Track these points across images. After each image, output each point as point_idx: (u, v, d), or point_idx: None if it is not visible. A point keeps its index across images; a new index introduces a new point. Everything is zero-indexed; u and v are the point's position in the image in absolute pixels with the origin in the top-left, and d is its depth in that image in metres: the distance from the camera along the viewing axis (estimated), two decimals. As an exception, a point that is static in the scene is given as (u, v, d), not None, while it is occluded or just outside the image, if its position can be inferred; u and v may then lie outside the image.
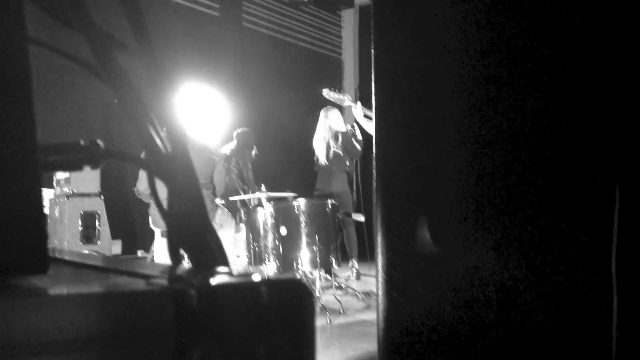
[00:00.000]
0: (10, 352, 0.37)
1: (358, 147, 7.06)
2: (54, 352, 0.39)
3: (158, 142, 0.59)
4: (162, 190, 0.60)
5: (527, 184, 1.49)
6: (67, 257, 0.73)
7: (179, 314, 0.42)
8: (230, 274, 0.49)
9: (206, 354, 0.42)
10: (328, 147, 7.00)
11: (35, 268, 0.46)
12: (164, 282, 0.46)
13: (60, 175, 6.74)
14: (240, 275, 0.48)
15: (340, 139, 6.97)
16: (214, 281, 0.45)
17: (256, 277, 0.46)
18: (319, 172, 7.23)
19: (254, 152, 7.43)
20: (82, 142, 0.58)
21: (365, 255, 7.13)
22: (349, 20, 12.67)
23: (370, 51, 1.73)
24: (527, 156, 1.49)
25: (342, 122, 7.06)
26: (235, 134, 7.46)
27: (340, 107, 6.89)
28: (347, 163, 7.12)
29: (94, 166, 0.59)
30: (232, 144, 7.31)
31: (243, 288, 0.44)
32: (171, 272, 0.53)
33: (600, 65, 1.42)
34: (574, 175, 1.45)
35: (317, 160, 7.16)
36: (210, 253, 0.59)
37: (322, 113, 7.20)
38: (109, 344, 0.40)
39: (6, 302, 0.38)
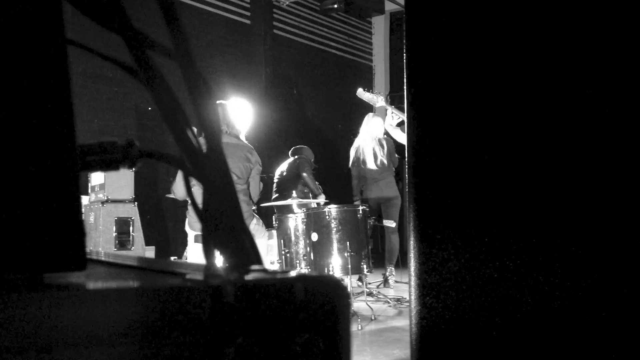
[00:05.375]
0: (48, 345, 0.38)
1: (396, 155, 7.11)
2: (91, 346, 0.39)
3: (194, 142, 0.60)
4: (198, 194, 0.61)
5: (572, 195, 1.47)
6: (104, 258, 0.74)
7: (216, 310, 0.42)
8: (265, 271, 0.49)
9: (242, 349, 0.42)
10: (375, 154, 7.00)
11: (73, 265, 0.47)
12: (200, 278, 0.46)
13: (95, 181, 6.85)
14: (276, 272, 0.48)
15: (385, 147, 6.98)
16: (250, 277, 0.45)
17: (292, 274, 0.46)
18: (367, 177, 7.14)
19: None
20: (118, 142, 0.59)
21: (397, 261, 7.12)
22: (379, 26, 12.67)
23: (401, 57, 1.72)
24: (577, 167, 1.47)
25: (383, 130, 7.04)
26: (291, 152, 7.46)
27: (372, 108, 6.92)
28: (393, 169, 7.12)
29: (130, 166, 0.60)
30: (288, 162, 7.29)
31: (279, 285, 0.44)
32: (207, 269, 0.53)
33: None
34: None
35: (362, 165, 7.10)
36: (245, 252, 0.60)
37: (365, 119, 7.20)
38: (146, 339, 0.40)
39: (46, 297, 0.39)
